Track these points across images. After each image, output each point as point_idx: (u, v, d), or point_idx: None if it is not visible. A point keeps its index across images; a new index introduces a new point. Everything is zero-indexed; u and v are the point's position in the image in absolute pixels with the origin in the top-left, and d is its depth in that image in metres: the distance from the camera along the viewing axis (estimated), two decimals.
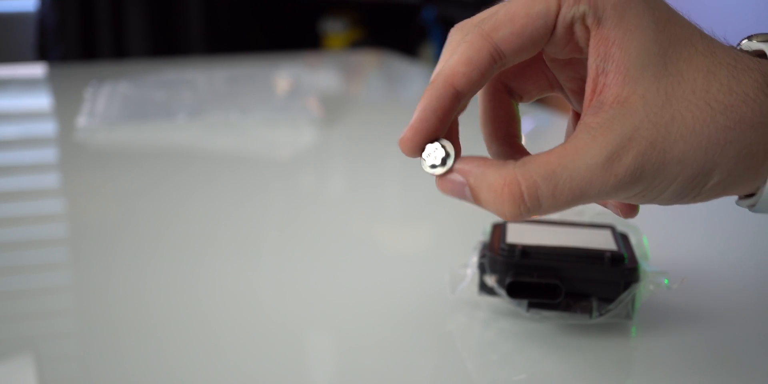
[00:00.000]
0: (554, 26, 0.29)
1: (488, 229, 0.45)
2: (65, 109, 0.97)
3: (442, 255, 0.51)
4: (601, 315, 0.40)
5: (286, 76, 1.00)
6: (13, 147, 0.84)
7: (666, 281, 0.40)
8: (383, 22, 2.28)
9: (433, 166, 0.31)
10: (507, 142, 0.35)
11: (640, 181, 0.28)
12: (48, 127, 0.92)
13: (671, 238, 0.54)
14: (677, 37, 0.28)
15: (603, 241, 0.42)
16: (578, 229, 0.44)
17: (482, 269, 0.42)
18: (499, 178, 0.29)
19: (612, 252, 0.40)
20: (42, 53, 1.74)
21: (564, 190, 0.28)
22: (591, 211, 0.48)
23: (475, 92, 0.30)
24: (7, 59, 1.67)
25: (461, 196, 0.30)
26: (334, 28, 2.23)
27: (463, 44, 0.29)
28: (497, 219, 0.46)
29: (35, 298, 0.48)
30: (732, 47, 0.30)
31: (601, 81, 0.29)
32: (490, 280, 0.41)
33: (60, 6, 1.67)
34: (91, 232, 0.57)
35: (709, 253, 0.52)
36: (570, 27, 0.29)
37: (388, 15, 2.25)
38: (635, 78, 0.28)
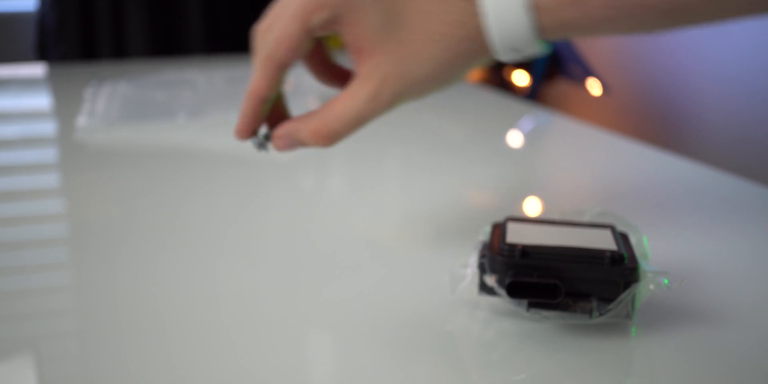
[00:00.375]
0: (309, 35, 0.42)
1: (488, 229, 0.45)
2: (65, 109, 0.97)
3: (442, 255, 0.51)
4: (601, 315, 0.40)
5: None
6: (13, 147, 0.84)
7: (666, 281, 0.40)
8: None
9: (260, 145, 0.47)
10: (330, 71, 0.48)
11: (399, 100, 0.43)
12: (48, 127, 0.92)
13: (671, 238, 0.54)
14: None
15: (603, 241, 0.42)
16: (578, 229, 0.44)
17: (482, 269, 0.42)
18: (309, 127, 0.43)
19: (612, 252, 0.40)
20: (42, 53, 1.74)
21: (350, 122, 0.42)
22: (591, 211, 0.48)
23: (276, 91, 0.44)
24: (7, 59, 1.67)
25: (292, 145, 0.45)
26: None
27: (258, 67, 0.43)
28: (497, 219, 0.46)
29: (35, 298, 0.48)
30: None
31: (358, 50, 0.42)
32: (490, 280, 0.41)
33: (60, 6, 1.67)
34: (91, 232, 0.57)
35: (709, 253, 0.52)
36: (324, 28, 0.42)
37: None
38: (376, 40, 0.41)
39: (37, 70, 1.36)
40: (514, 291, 0.40)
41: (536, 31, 0.40)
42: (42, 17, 1.73)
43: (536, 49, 0.41)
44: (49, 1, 1.68)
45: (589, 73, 1.68)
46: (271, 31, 0.42)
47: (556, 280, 0.39)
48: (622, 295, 0.40)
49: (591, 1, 0.39)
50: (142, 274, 0.49)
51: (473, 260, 0.43)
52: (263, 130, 0.46)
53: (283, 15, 0.42)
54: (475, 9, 0.40)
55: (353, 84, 0.42)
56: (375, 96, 0.41)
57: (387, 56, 0.41)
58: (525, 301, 0.40)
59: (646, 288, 0.40)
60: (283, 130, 0.45)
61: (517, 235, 0.42)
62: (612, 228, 0.44)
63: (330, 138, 0.43)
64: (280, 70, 0.43)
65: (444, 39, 0.40)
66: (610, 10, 0.39)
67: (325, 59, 0.48)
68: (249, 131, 0.45)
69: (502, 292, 0.40)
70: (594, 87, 1.66)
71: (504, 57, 0.42)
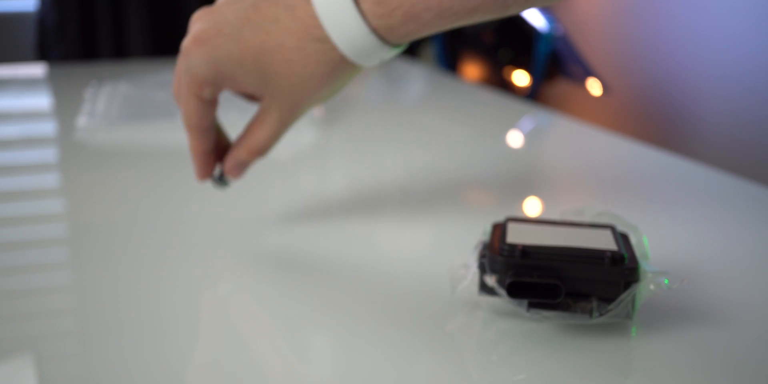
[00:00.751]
0: (208, 102, 0.50)
1: (488, 229, 0.45)
2: (65, 109, 0.97)
3: (442, 255, 0.51)
4: (601, 315, 0.40)
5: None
6: (13, 147, 0.84)
7: (666, 281, 0.40)
8: None
9: (219, 181, 0.55)
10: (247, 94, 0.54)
11: (300, 116, 0.51)
12: (48, 127, 0.92)
13: (671, 238, 0.54)
14: (258, 47, 0.47)
15: (603, 241, 0.42)
16: (578, 229, 0.44)
17: (482, 269, 0.42)
18: (245, 149, 0.52)
19: (612, 252, 0.40)
20: (42, 53, 1.74)
21: (271, 138, 0.52)
22: (591, 211, 0.48)
23: (211, 123, 0.52)
24: (7, 59, 1.67)
25: (242, 169, 0.54)
26: None
27: (186, 132, 0.52)
28: (497, 219, 0.46)
29: (35, 298, 0.48)
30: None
31: (250, 97, 0.53)
32: (490, 280, 0.41)
33: (60, 6, 1.67)
34: (91, 232, 0.57)
35: (709, 253, 0.52)
36: (215, 94, 0.50)
37: None
38: (259, 91, 0.49)
39: (37, 70, 1.36)
40: (514, 291, 0.40)
41: (388, 46, 0.46)
42: (42, 17, 1.73)
43: (396, 51, 0.48)
44: (49, 1, 1.68)
45: (589, 73, 1.68)
46: (179, 99, 0.51)
47: (557, 280, 0.39)
48: (623, 295, 0.40)
49: (424, 16, 0.44)
50: (142, 274, 0.49)
51: (473, 260, 0.43)
52: (216, 170, 0.54)
53: (181, 89, 0.50)
54: (329, 45, 0.46)
55: (260, 114, 0.51)
56: (280, 120, 0.51)
57: (273, 98, 0.49)
58: (525, 301, 0.40)
59: (646, 288, 0.40)
60: (229, 163, 0.53)
61: (517, 235, 0.42)
62: (612, 228, 0.44)
63: (263, 152, 0.52)
64: (205, 132, 0.52)
65: (313, 76, 0.47)
66: (442, 21, 0.44)
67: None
68: (206, 173, 0.54)
69: (502, 292, 0.40)
70: (594, 87, 1.66)
71: (371, 66, 0.49)
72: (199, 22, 0.49)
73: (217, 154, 0.54)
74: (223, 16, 0.48)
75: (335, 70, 0.47)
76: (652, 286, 0.40)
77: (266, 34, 0.46)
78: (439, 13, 0.44)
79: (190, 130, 0.51)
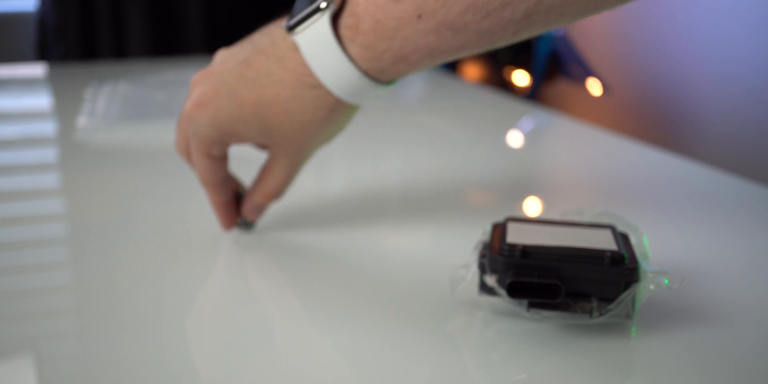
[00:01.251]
0: (218, 159, 0.51)
1: (488, 229, 0.45)
2: (65, 109, 0.97)
3: (442, 255, 0.51)
4: (601, 315, 0.40)
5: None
6: (13, 147, 0.84)
7: (666, 281, 0.40)
8: None
9: (245, 226, 0.56)
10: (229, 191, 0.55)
11: (309, 157, 0.53)
12: (48, 127, 0.92)
13: (671, 238, 0.54)
14: (255, 102, 0.48)
15: (603, 241, 0.42)
16: (578, 229, 0.44)
17: (482, 269, 0.42)
18: (260, 195, 0.53)
19: (612, 252, 0.40)
20: (42, 53, 1.74)
21: (284, 182, 0.53)
22: (591, 211, 0.48)
23: (225, 175, 0.53)
24: (7, 59, 1.67)
25: (260, 211, 0.55)
26: None
27: (204, 187, 0.53)
28: (497, 219, 0.46)
29: (35, 298, 0.48)
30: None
31: (258, 146, 0.53)
32: (490, 280, 0.41)
33: (60, 6, 1.67)
34: (91, 232, 0.57)
35: (709, 253, 0.52)
36: (223, 151, 0.52)
37: None
38: (265, 142, 0.51)
39: (37, 70, 1.36)
40: (514, 291, 0.40)
41: (381, 85, 0.47)
42: (42, 17, 1.73)
43: (391, 87, 0.49)
44: (49, 1, 1.68)
45: (589, 73, 1.68)
46: (190, 160, 0.53)
47: (557, 280, 0.39)
48: (623, 295, 0.40)
49: (412, 56, 0.44)
50: (142, 274, 0.49)
51: (473, 260, 0.43)
52: (239, 219, 0.55)
53: (191, 151, 0.51)
54: (323, 91, 0.47)
55: (270, 162, 0.52)
56: (290, 164, 0.52)
57: (279, 146, 0.50)
58: (525, 301, 0.40)
59: (646, 288, 0.40)
60: (246, 208, 0.54)
61: (517, 235, 0.42)
62: (612, 228, 0.44)
63: (278, 195, 0.53)
64: (220, 185, 0.53)
65: (313, 122, 0.48)
66: (431, 60, 0.45)
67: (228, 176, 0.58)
68: (231, 222, 0.55)
69: (502, 292, 0.40)
70: (594, 87, 1.66)
71: (369, 103, 0.49)
72: (198, 85, 0.50)
73: (236, 203, 0.55)
74: (219, 76, 0.49)
75: (333, 113, 0.48)
76: (652, 286, 0.40)
77: (261, 87, 0.48)
78: (427, 54, 0.44)
79: (207, 186, 0.53)
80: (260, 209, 0.54)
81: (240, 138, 0.50)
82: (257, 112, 0.48)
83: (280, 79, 0.47)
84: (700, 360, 0.39)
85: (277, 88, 0.47)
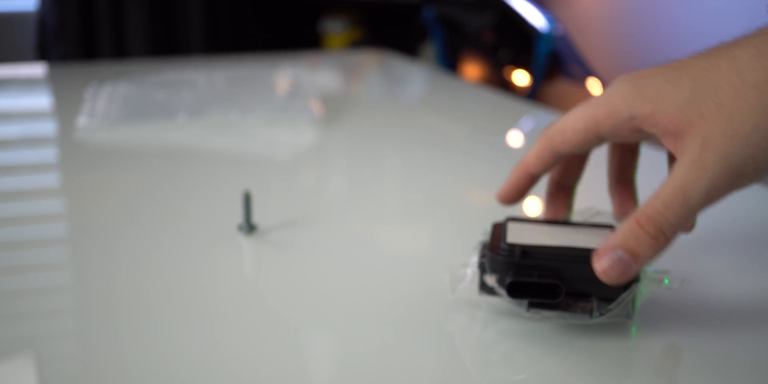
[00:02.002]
0: (596, 137, 0.41)
1: (488, 228, 0.45)
2: (65, 109, 0.97)
3: (442, 255, 0.51)
4: (601, 315, 0.40)
5: (286, 76, 1.00)
6: (13, 147, 0.84)
7: (666, 281, 0.40)
8: (383, 21, 2.28)
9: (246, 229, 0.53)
10: (620, 184, 0.47)
11: (732, 165, 0.36)
12: (48, 127, 0.92)
13: None
14: (712, 87, 0.37)
15: (603, 241, 0.42)
16: (578, 229, 0.44)
17: (482, 269, 0.42)
18: (632, 219, 0.38)
19: None
20: (42, 53, 1.75)
21: (674, 200, 0.37)
22: (591, 211, 0.48)
23: (544, 173, 0.45)
24: (7, 59, 1.67)
25: (621, 263, 0.37)
26: (334, 28, 2.23)
27: (536, 143, 0.44)
28: (497, 219, 0.46)
29: (35, 298, 0.48)
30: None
31: (670, 135, 0.38)
32: (490, 280, 0.41)
33: (60, 6, 1.67)
34: (91, 232, 0.57)
35: (710, 253, 0.52)
36: (616, 135, 0.41)
37: (388, 15, 2.25)
38: (685, 115, 0.37)
39: (37, 70, 1.36)
40: (514, 291, 0.40)
41: None
42: (42, 17, 1.73)
43: None
44: (49, 1, 1.69)
45: (589, 73, 1.68)
46: (565, 118, 0.43)
47: (557, 280, 0.39)
48: (623, 295, 0.40)
49: None
50: (141, 274, 0.49)
51: (473, 260, 0.43)
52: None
53: (578, 108, 0.42)
54: None
55: (671, 172, 0.37)
56: (693, 163, 0.36)
57: (702, 121, 0.36)
58: (525, 301, 0.40)
59: (647, 288, 0.40)
60: (604, 247, 0.38)
61: (517, 235, 0.42)
62: (612, 228, 0.44)
63: (655, 222, 0.36)
64: (553, 156, 0.43)
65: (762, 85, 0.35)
66: None
67: (624, 176, 0.48)
68: (508, 198, 0.46)
69: (502, 292, 0.40)
70: (594, 87, 1.66)
71: None
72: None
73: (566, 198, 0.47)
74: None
75: None
76: (652, 286, 0.40)
77: None
78: None
79: (544, 140, 0.43)
80: (621, 261, 0.38)
81: (651, 114, 0.39)
82: None
83: None
84: (699, 360, 0.39)
85: None
